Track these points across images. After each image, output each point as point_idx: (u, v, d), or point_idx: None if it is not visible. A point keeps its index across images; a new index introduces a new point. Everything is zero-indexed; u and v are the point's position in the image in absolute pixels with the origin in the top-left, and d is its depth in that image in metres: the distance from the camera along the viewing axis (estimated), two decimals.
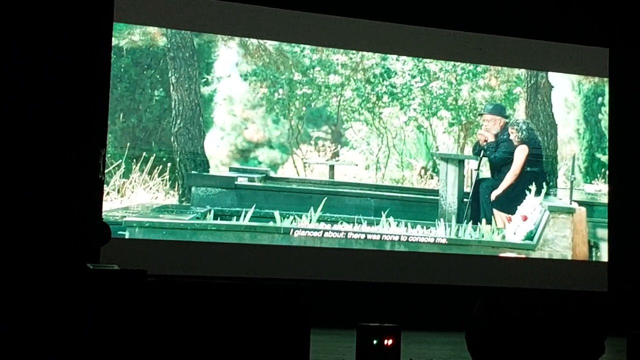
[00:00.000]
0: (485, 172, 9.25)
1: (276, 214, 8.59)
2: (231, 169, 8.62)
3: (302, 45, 8.83)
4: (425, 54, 9.20)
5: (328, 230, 8.69)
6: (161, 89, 8.40)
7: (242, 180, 8.54)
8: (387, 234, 8.85)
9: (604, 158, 9.60)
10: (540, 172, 9.34)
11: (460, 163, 9.08)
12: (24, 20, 8.03)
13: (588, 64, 9.68)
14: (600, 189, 9.47)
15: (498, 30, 9.41)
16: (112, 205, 8.19)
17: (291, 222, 8.61)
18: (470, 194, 9.07)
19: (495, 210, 9.16)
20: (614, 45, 9.75)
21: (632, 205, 9.60)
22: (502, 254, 9.14)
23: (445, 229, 8.98)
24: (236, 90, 8.62)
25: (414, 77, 9.12)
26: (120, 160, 8.25)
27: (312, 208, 8.68)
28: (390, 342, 5.11)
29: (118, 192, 8.22)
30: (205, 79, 8.54)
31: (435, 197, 9.00)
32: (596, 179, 9.55)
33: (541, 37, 9.53)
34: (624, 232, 9.55)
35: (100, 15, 8.21)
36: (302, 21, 8.88)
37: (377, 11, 9.07)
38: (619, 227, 9.55)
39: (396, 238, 8.89)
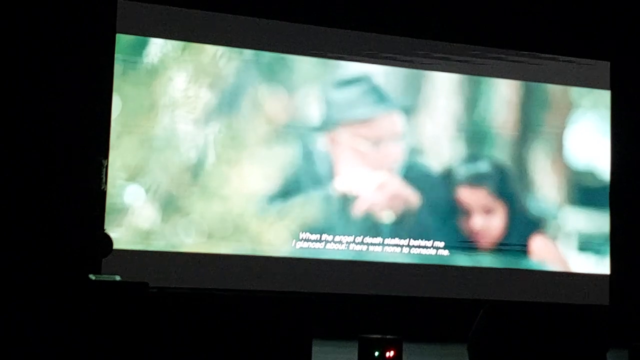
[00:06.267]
0: None
1: None
2: None
3: None
4: (426, 65, 9.21)
5: (330, 242, 8.70)
6: None
7: None
8: (389, 246, 8.85)
9: None
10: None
11: None
12: (27, 31, 8.06)
13: (589, 77, 9.69)
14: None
15: (498, 43, 9.43)
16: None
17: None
18: None
19: None
20: (615, 58, 9.77)
21: (633, 217, 9.60)
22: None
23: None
24: None
25: None
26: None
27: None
28: (391, 354, 5.12)
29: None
30: None
31: None
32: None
33: (542, 50, 9.55)
34: (626, 245, 9.54)
35: (104, 26, 8.23)
36: (305, 32, 8.90)
37: (377, 23, 9.09)
38: (621, 239, 9.55)
39: (398, 250, 8.89)
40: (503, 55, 9.46)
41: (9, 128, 7.94)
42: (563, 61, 9.62)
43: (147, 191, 8.25)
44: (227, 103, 8.57)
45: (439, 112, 9.20)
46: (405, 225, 8.92)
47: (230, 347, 4.52)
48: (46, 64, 8.08)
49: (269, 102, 8.70)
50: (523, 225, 9.30)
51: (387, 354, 5.10)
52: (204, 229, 8.36)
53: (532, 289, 9.18)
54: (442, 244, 9.02)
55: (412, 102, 9.11)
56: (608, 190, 9.62)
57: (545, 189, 9.43)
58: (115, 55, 8.31)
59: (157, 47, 8.45)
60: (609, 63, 9.75)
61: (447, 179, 9.11)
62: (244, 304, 4.63)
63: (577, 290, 9.33)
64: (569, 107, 9.67)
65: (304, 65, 8.87)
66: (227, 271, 8.40)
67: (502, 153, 9.34)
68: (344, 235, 8.74)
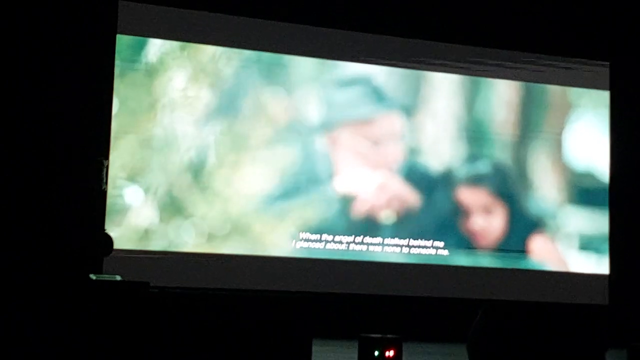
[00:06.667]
0: None
1: None
2: None
3: None
4: (425, 66, 9.21)
5: (330, 242, 8.71)
6: None
7: None
8: (388, 245, 8.86)
9: None
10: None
11: None
12: (27, 31, 8.07)
13: (588, 78, 9.70)
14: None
15: (498, 44, 9.44)
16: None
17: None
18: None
19: None
20: (615, 58, 9.78)
21: (633, 217, 9.61)
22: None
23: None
24: None
25: None
26: None
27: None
28: (391, 353, 5.12)
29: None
30: None
31: None
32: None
33: (541, 51, 9.56)
34: (625, 245, 9.55)
35: (104, 27, 8.24)
36: (305, 33, 8.91)
37: (378, 24, 9.10)
38: (620, 239, 9.56)
39: (398, 250, 8.90)
40: (502, 56, 9.47)
41: (9, 128, 7.95)
42: (562, 62, 9.63)
43: (147, 191, 8.26)
44: (227, 104, 8.58)
45: (439, 113, 9.21)
46: (405, 225, 8.92)
47: (230, 347, 4.53)
48: (46, 64, 8.09)
49: (269, 102, 8.71)
50: (523, 225, 9.31)
51: (387, 354, 5.11)
52: (204, 229, 8.37)
53: (531, 289, 9.19)
54: (441, 244, 9.02)
55: (412, 102, 9.12)
56: (607, 191, 9.63)
57: (545, 189, 9.44)
58: (116, 56, 8.32)
59: (157, 48, 8.46)
60: (608, 63, 9.76)
61: (447, 179, 9.12)
62: (244, 304, 4.64)
63: (577, 290, 9.34)
64: (568, 108, 9.68)
65: (303, 65, 8.88)
66: (227, 271, 8.40)
67: (502, 153, 9.35)
68: (344, 235, 8.75)
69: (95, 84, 8.18)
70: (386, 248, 8.86)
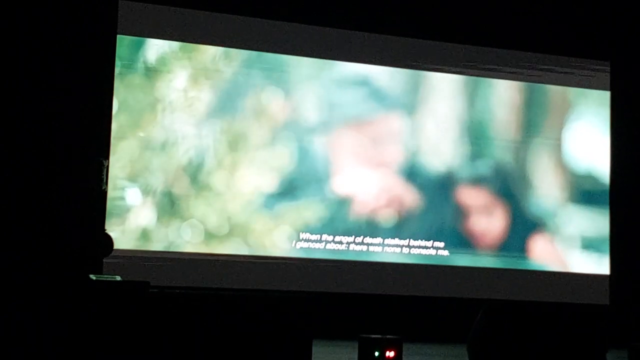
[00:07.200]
0: None
1: None
2: None
3: None
4: (425, 66, 9.21)
5: (330, 242, 8.70)
6: None
7: None
8: (389, 246, 8.86)
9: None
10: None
11: None
12: (27, 31, 8.06)
13: (589, 78, 9.69)
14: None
15: (498, 44, 9.44)
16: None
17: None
18: None
19: None
20: (615, 58, 9.77)
21: (633, 218, 9.61)
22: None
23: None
24: None
25: None
26: None
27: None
28: (392, 354, 5.12)
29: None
30: None
31: None
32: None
33: (542, 50, 9.56)
34: (626, 245, 9.55)
35: (105, 27, 8.24)
36: (305, 33, 8.91)
37: (378, 24, 9.10)
38: (621, 239, 9.55)
39: (398, 250, 8.89)
40: (503, 56, 9.47)
41: (9, 128, 7.95)
42: (563, 62, 9.63)
43: (147, 192, 8.26)
44: (227, 104, 8.58)
45: (439, 113, 9.21)
46: (405, 226, 8.92)
47: (230, 347, 4.53)
48: (46, 64, 8.08)
49: (269, 103, 8.71)
50: (523, 225, 9.30)
51: (387, 354, 5.10)
52: (203, 230, 8.37)
53: (532, 289, 9.19)
54: (442, 245, 9.02)
55: (412, 102, 9.12)
56: (608, 191, 9.63)
57: (546, 189, 9.43)
58: (116, 56, 8.32)
59: (157, 48, 8.46)
60: (608, 63, 9.76)
61: (448, 179, 9.11)
62: (244, 304, 4.63)
63: (577, 291, 9.34)
64: (568, 108, 9.68)
65: (303, 65, 8.88)
66: (227, 271, 8.40)
67: (502, 154, 9.35)
68: (344, 236, 8.75)
69: (95, 84, 8.18)
70: (386, 248, 8.86)
